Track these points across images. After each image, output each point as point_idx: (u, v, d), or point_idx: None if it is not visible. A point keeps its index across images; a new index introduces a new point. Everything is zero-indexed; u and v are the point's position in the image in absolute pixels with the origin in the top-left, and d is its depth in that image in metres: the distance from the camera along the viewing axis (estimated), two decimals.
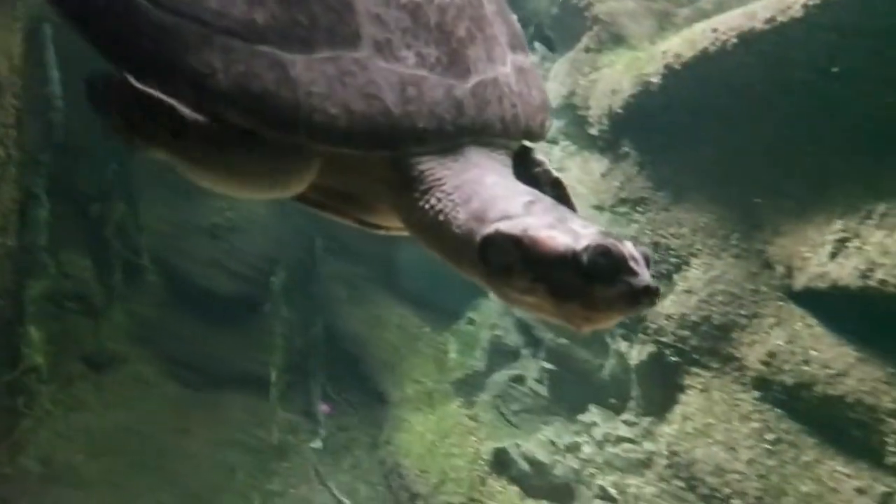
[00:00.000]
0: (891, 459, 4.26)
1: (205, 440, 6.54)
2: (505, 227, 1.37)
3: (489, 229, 1.39)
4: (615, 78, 5.46)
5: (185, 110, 1.35)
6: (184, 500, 6.06)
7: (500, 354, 6.42)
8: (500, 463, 6.02)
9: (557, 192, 1.71)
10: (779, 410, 4.79)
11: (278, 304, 7.06)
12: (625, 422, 5.66)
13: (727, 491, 4.86)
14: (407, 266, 6.95)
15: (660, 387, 5.41)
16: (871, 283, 4.30)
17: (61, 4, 1.42)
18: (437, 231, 1.47)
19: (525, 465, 5.93)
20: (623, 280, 1.29)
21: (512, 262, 1.35)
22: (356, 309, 7.20)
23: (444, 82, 1.47)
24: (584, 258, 1.29)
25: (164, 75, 1.36)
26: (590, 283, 1.29)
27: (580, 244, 1.30)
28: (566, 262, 1.30)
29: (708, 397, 5.10)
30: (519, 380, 6.33)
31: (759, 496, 4.73)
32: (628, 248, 1.31)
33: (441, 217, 1.46)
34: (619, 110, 5.46)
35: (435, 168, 1.48)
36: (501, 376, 6.40)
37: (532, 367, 6.34)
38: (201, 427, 6.62)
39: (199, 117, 1.36)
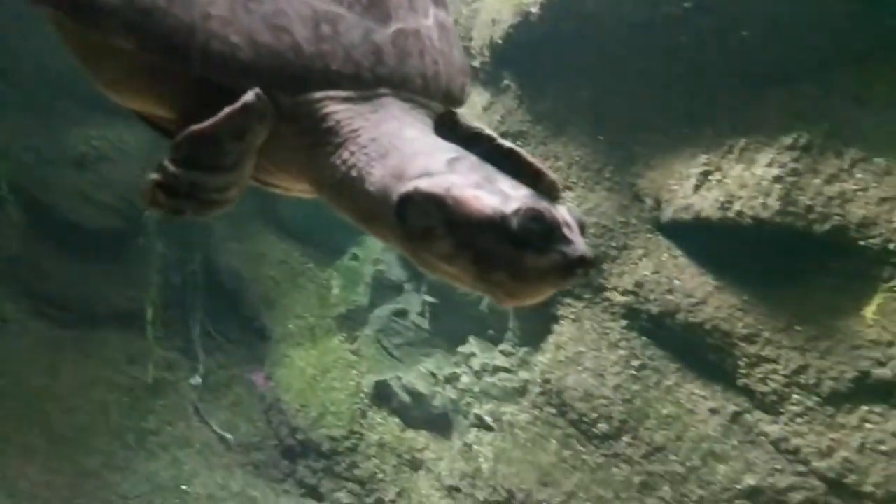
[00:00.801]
0: (741, 381, 4.52)
1: (75, 380, 6.25)
2: (425, 184, 1.22)
3: (407, 187, 1.24)
4: (496, 7, 5.38)
5: None
6: (53, 442, 5.80)
7: (383, 289, 6.40)
8: (381, 395, 6.06)
9: (513, 163, 1.50)
10: (644, 338, 4.99)
11: (153, 239, 6.75)
12: (502, 352, 5.78)
13: (594, 415, 5.05)
14: (290, 201, 6.75)
15: (535, 318, 5.52)
16: (730, 214, 4.48)
17: None
18: (348, 189, 1.31)
19: (405, 397, 5.98)
20: (556, 249, 1.16)
21: (433, 224, 1.21)
22: (237, 244, 6.98)
23: (363, 24, 1.33)
24: (514, 222, 1.16)
25: None
26: (520, 250, 1.16)
27: (510, 207, 1.17)
28: (493, 227, 1.17)
29: (580, 327, 5.25)
30: (401, 314, 6.34)
31: (624, 419, 4.94)
32: (562, 212, 1.20)
33: (354, 173, 1.31)
34: (500, 41, 5.40)
35: (351, 118, 1.33)
36: (384, 311, 6.39)
37: (414, 301, 6.36)
38: (72, 367, 6.33)
39: None
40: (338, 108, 1.32)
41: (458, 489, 5.52)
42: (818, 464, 4.22)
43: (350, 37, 1.31)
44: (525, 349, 5.66)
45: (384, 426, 5.97)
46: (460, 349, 6.03)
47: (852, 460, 4.11)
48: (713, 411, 4.65)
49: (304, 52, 1.27)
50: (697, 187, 4.68)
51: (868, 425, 4.09)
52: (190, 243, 6.89)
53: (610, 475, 4.94)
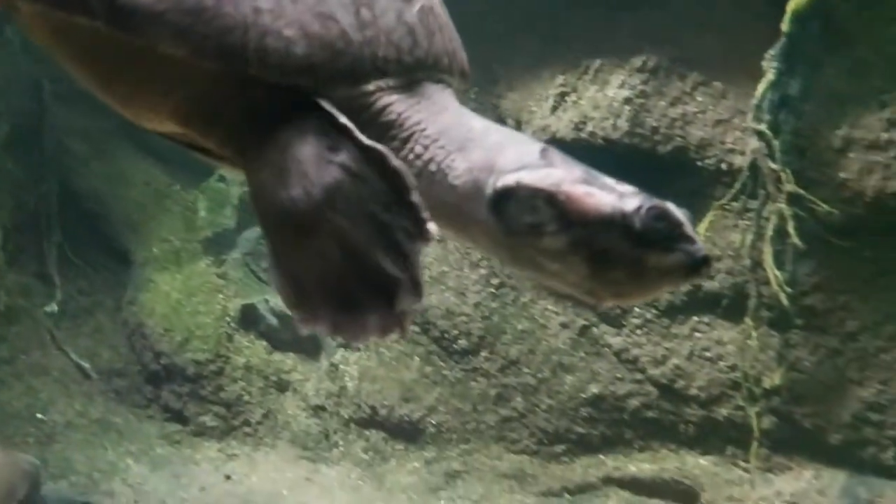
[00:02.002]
0: None
1: None
2: (529, 179, 1.17)
3: (507, 180, 1.18)
4: None
5: None
6: None
7: (252, 211, 6.25)
8: (248, 319, 5.98)
9: None
10: None
11: (2, 159, 6.30)
12: None
13: (455, 332, 5.18)
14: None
15: None
16: (583, 135, 4.61)
17: None
18: (425, 187, 1.21)
19: (273, 320, 5.94)
20: (681, 248, 1.13)
21: (542, 221, 1.16)
22: (96, 165, 6.61)
23: (393, 4, 1.25)
24: (637, 222, 1.13)
25: None
26: (642, 249, 1.13)
27: (629, 205, 1.14)
28: (613, 225, 1.13)
29: (444, 247, 5.32)
30: None
31: (483, 335, 5.10)
32: (680, 211, 1.16)
33: (433, 167, 1.24)
34: None
35: (409, 109, 1.25)
36: (252, 233, 6.25)
37: None
38: None
39: None
40: (392, 99, 1.25)
41: (323, 408, 5.59)
42: (653, 371, 4.51)
43: (387, 20, 1.23)
44: None
45: (251, 349, 5.92)
46: None
47: (682, 367, 4.42)
48: (564, 326, 4.86)
49: (352, 40, 1.19)
50: (554, 108, 4.77)
51: (697, 334, 4.39)
52: (44, 163, 6.49)
53: (468, 389, 5.12)
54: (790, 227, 3.88)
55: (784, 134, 4.00)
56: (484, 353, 5.10)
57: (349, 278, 1.09)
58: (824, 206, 3.82)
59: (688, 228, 1.15)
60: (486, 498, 4.72)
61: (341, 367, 5.63)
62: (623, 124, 4.49)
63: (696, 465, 4.32)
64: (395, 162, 1.11)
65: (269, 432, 5.67)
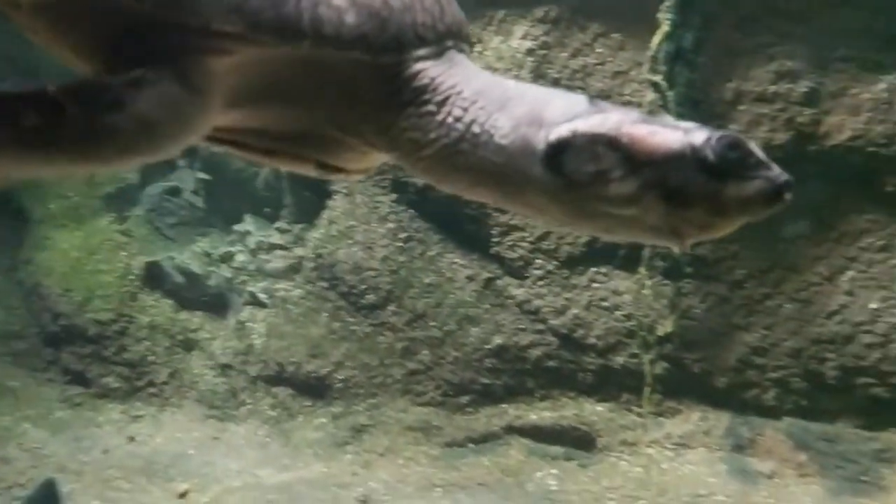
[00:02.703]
0: (495, 249, 4.76)
1: None
2: (586, 126, 1.11)
3: (562, 130, 1.12)
4: None
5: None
6: None
7: (155, 166, 6.03)
8: (153, 277, 5.81)
9: None
10: (412, 211, 5.09)
11: None
12: (278, 229, 5.69)
13: (363, 287, 5.15)
14: (49, 71, 6.11)
15: (310, 193, 5.46)
16: None
17: None
18: (471, 148, 1.17)
19: (179, 278, 5.78)
20: (759, 174, 1.08)
21: (606, 167, 1.10)
22: None
23: None
24: (710, 153, 1.07)
25: None
26: (719, 181, 1.07)
27: (698, 138, 1.08)
28: (685, 160, 1.07)
29: (352, 201, 5.26)
30: (174, 192, 6.03)
31: (390, 289, 5.08)
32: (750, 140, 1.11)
33: (476, 128, 1.18)
34: None
35: (444, 74, 1.20)
36: (156, 188, 6.05)
37: (188, 179, 6.06)
38: None
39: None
40: (428, 65, 1.21)
41: (230, 367, 5.49)
42: (554, 321, 4.58)
43: None
44: (301, 226, 5.61)
45: (156, 308, 5.75)
46: (236, 227, 5.87)
47: (581, 317, 4.50)
48: (469, 278, 4.88)
49: (393, 7, 1.16)
50: None
51: (595, 285, 4.47)
52: None
53: (375, 343, 5.10)
54: None
55: (678, 86, 4.06)
56: (391, 308, 5.09)
57: None
58: None
59: (762, 155, 1.11)
60: (392, 450, 4.74)
61: (248, 324, 5.54)
62: (526, 75, 4.47)
63: (593, 412, 4.44)
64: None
65: (175, 392, 5.55)
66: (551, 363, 4.61)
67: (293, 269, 5.58)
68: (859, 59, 3.73)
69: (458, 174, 1.22)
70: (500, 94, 1.21)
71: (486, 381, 4.77)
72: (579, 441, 4.38)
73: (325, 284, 5.35)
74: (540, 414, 4.57)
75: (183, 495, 4.70)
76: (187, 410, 5.45)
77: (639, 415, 4.29)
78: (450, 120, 1.20)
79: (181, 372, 5.63)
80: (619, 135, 1.10)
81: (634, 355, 4.31)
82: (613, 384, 4.42)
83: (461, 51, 1.29)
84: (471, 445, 4.64)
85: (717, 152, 1.08)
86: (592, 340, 4.44)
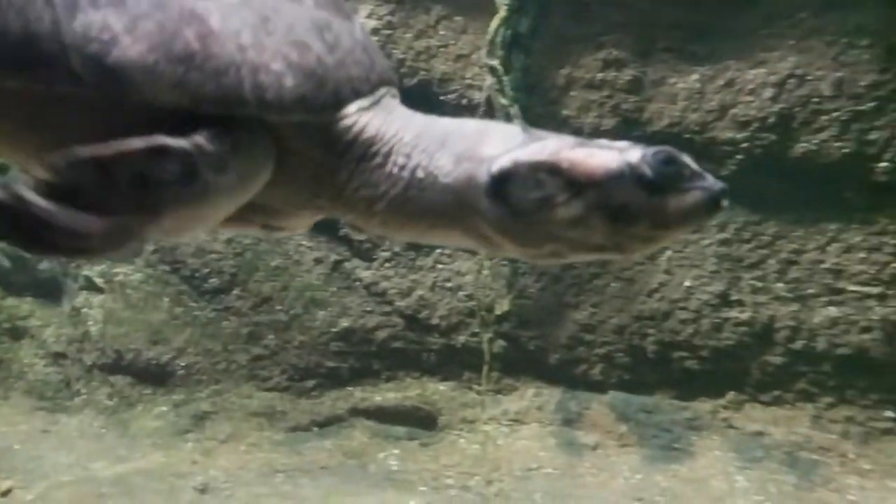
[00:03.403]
0: (343, 231, 4.71)
1: None
2: (525, 155, 1.13)
3: (503, 162, 1.13)
4: None
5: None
6: None
7: None
8: None
9: None
10: None
11: None
12: None
13: (206, 271, 4.97)
14: None
15: None
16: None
17: None
18: (417, 193, 1.18)
19: (5, 262, 5.37)
20: (697, 185, 1.11)
21: (551, 193, 1.12)
22: None
23: (343, 25, 1.22)
24: (648, 169, 1.10)
25: (30, 58, 0.93)
26: (661, 196, 1.10)
27: (633, 156, 1.11)
28: (624, 179, 1.10)
29: None
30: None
31: (235, 273, 4.93)
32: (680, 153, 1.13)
33: (420, 173, 1.19)
34: None
35: (385, 124, 1.22)
36: None
37: None
38: None
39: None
40: (369, 117, 1.22)
41: (63, 355, 5.18)
42: (400, 303, 4.59)
43: (345, 40, 1.21)
44: None
45: None
46: None
47: (426, 298, 4.54)
48: (317, 261, 4.81)
49: (328, 65, 1.16)
50: None
51: (439, 266, 4.51)
52: None
53: (219, 328, 4.95)
54: None
55: (515, 71, 4.14)
56: (236, 292, 4.95)
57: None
58: None
59: (695, 166, 1.14)
60: (235, 437, 4.62)
61: (84, 310, 5.23)
62: None
63: (435, 391, 4.50)
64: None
65: (0, 384, 5.18)
66: (397, 344, 4.62)
67: (133, 254, 5.31)
68: (676, 50, 3.94)
69: (412, 221, 1.23)
70: (439, 133, 1.22)
71: (332, 364, 4.73)
72: (422, 421, 4.43)
73: (166, 268, 5.13)
74: (385, 395, 4.58)
75: (5, 493, 4.39)
76: (14, 403, 5.10)
77: (478, 393, 4.38)
78: (395, 170, 1.21)
79: (9, 362, 5.26)
80: (558, 160, 1.13)
81: (475, 335, 4.39)
82: (456, 363, 4.49)
83: (394, 96, 1.30)
84: (315, 429, 4.59)
85: (654, 168, 1.11)
86: (436, 321, 4.48)
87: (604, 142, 1.19)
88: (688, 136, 3.90)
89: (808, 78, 3.68)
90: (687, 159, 1.15)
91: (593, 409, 4.09)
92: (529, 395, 4.29)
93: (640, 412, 3.98)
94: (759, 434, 3.81)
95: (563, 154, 1.14)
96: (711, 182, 1.14)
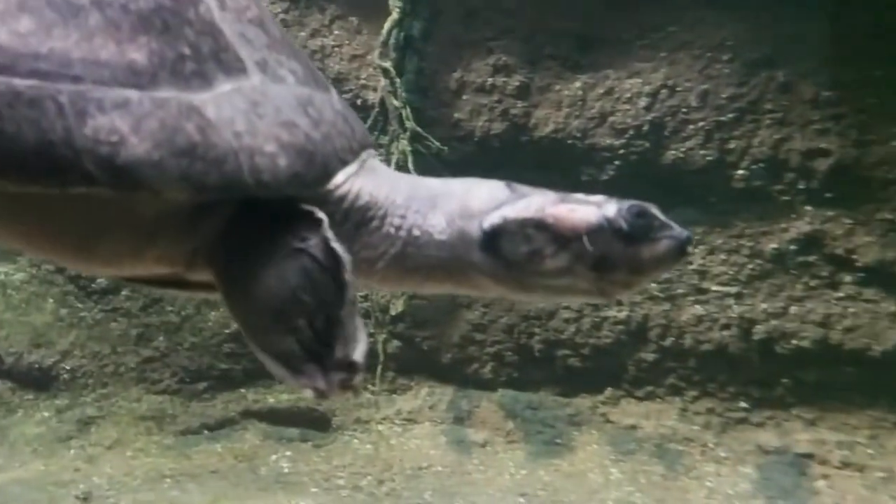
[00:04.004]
0: None
1: None
2: (514, 212, 1.24)
3: (493, 219, 1.24)
4: None
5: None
6: None
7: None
8: None
9: None
10: None
11: None
12: None
13: None
14: None
15: None
16: None
17: None
18: (415, 252, 1.28)
19: None
20: (665, 235, 1.24)
21: (538, 246, 1.24)
22: None
23: (324, 98, 1.30)
24: (623, 223, 1.22)
25: (47, 166, 0.99)
26: (634, 246, 1.23)
27: (610, 210, 1.23)
28: (603, 231, 1.22)
29: None
30: None
31: None
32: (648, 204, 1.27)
33: (416, 232, 1.29)
34: None
35: (375, 187, 1.30)
36: None
37: None
38: None
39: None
40: (360, 183, 1.29)
41: None
42: None
43: (327, 113, 1.27)
44: None
45: None
46: None
47: None
48: None
49: (315, 140, 1.21)
50: None
51: None
52: None
53: (108, 330, 4.79)
54: (410, 164, 4.09)
55: (408, 73, 4.17)
56: (125, 292, 4.80)
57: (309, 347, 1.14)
58: (437, 143, 4.06)
59: (663, 217, 1.26)
60: (121, 442, 4.49)
61: None
62: None
63: None
64: (347, 275, 1.14)
65: None
66: None
67: (15, 251, 5.07)
68: (561, 58, 4.06)
69: (410, 275, 1.32)
70: (427, 194, 1.32)
71: (224, 366, 4.65)
72: (315, 422, 4.41)
73: (50, 268, 4.93)
74: (278, 397, 4.54)
75: None
76: None
77: (372, 393, 4.40)
78: (392, 231, 1.30)
79: None
80: (544, 216, 1.24)
81: (370, 335, 4.40)
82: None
83: (373, 157, 1.38)
84: (206, 432, 4.51)
85: (628, 221, 1.23)
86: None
87: (580, 196, 1.30)
88: (570, 141, 4.03)
89: (678, 89, 3.87)
90: (656, 211, 1.27)
91: (483, 406, 4.17)
92: (423, 395, 4.33)
93: (527, 409, 4.09)
94: (633, 427, 3.98)
95: (548, 210, 1.26)
96: (679, 231, 1.27)
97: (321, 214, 1.19)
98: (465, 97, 4.16)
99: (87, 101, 1.05)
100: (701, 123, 3.85)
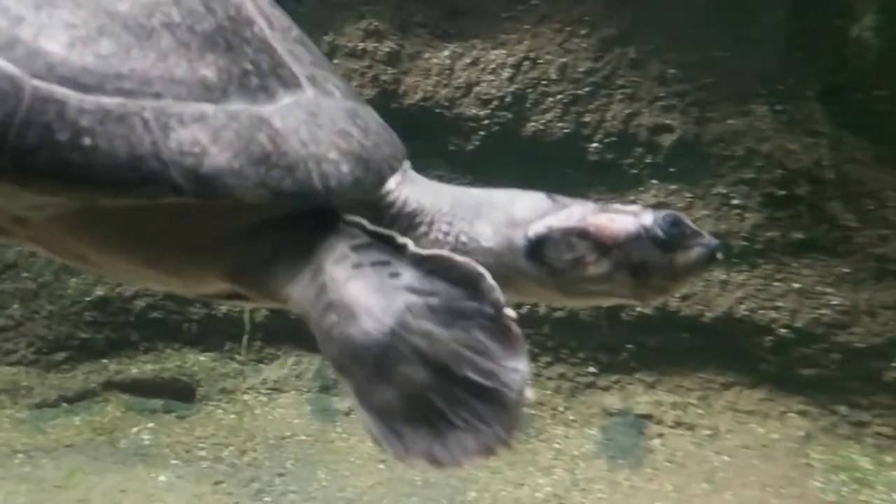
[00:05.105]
0: None
1: None
2: (557, 221, 1.33)
3: (538, 228, 1.33)
4: None
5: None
6: None
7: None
8: None
9: None
10: None
11: None
12: None
13: None
14: None
15: None
16: None
17: None
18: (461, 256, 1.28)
19: None
20: (698, 243, 1.32)
21: (582, 254, 1.31)
22: None
23: (366, 110, 1.37)
24: (660, 232, 1.31)
25: (138, 177, 1.04)
26: (669, 253, 1.31)
27: (647, 220, 1.31)
28: (641, 240, 1.31)
29: None
30: None
31: None
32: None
33: (464, 237, 1.36)
34: None
35: (420, 196, 1.37)
36: None
37: None
38: None
39: None
40: (406, 190, 1.36)
41: None
42: None
43: (372, 124, 1.34)
44: None
45: None
46: None
47: None
48: None
49: (367, 147, 1.28)
50: None
51: None
52: None
53: None
54: None
55: None
56: None
57: (438, 398, 1.06)
58: None
59: (694, 225, 1.35)
60: None
61: None
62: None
63: (195, 362, 4.37)
64: (459, 259, 1.14)
65: None
66: (156, 314, 4.43)
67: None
68: (431, 25, 4.02)
69: None
70: (472, 203, 1.38)
71: (85, 335, 4.45)
72: (179, 392, 4.30)
73: None
74: (142, 367, 4.39)
75: None
76: None
77: (239, 363, 4.31)
78: (441, 236, 1.37)
79: None
80: (586, 225, 1.32)
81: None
82: (217, 333, 4.38)
83: (409, 168, 1.45)
84: (64, 405, 4.32)
85: (664, 230, 1.32)
86: None
87: (618, 206, 1.39)
88: (438, 110, 4.01)
89: (539, 61, 3.91)
90: (688, 221, 1.37)
91: None
92: (290, 364, 4.28)
93: None
94: None
95: (589, 220, 1.34)
96: (709, 239, 1.36)
97: (403, 240, 1.20)
98: (336, 61, 4.07)
99: (169, 115, 1.10)
100: (559, 96, 3.90)
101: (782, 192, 3.82)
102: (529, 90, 3.91)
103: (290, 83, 1.25)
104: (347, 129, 1.28)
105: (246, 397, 4.23)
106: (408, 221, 1.37)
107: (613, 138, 3.91)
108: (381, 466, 3.78)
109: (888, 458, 3.68)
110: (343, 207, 1.26)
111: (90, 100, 1.06)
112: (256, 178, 1.14)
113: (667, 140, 3.88)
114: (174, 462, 3.93)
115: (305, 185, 1.18)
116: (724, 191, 3.82)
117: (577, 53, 3.85)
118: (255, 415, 4.15)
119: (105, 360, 4.44)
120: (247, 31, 1.24)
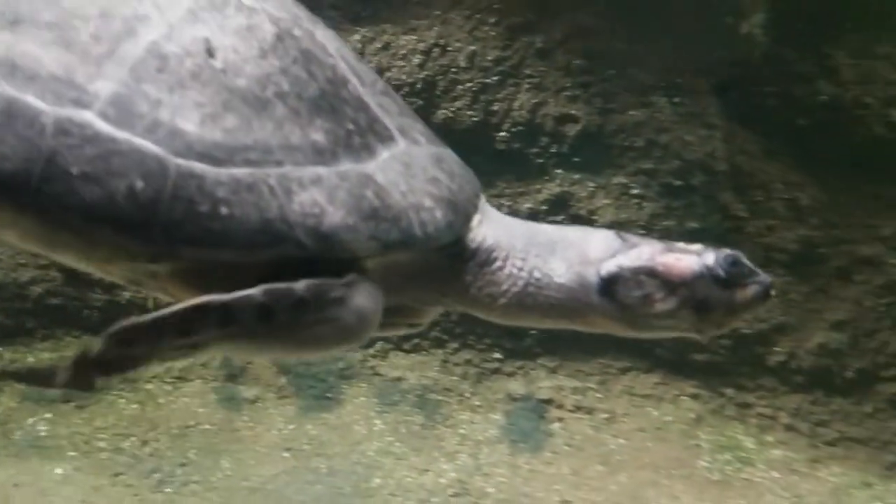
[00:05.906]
0: None
1: None
2: (628, 261, 1.41)
3: (609, 267, 1.42)
4: None
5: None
6: None
7: None
8: None
9: None
10: None
11: None
12: None
13: None
14: None
15: None
16: None
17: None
18: (536, 292, 1.45)
19: None
20: (754, 281, 1.41)
21: (651, 291, 1.40)
22: None
23: (447, 153, 1.46)
24: (722, 271, 1.39)
25: (269, 239, 1.18)
26: (729, 290, 1.40)
27: (709, 259, 1.40)
28: (704, 278, 1.40)
29: None
30: None
31: None
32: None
33: (537, 273, 1.45)
34: None
35: (496, 232, 1.47)
36: None
37: None
38: None
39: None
40: (486, 226, 1.46)
41: None
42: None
43: (454, 167, 1.43)
44: None
45: None
46: None
47: None
48: None
49: (454, 190, 1.38)
50: None
51: None
52: None
53: None
54: None
55: None
56: None
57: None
58: None
59: (751, 264, 1.43)
60: None
61: None
62: None
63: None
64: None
65: None
66: (55, 301, 4.28)
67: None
68: (343, 8, 3.98)
69: (528, 312, 1.48)
70: (545, 240, 1.47)
71: None
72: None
73: None
74: (39, 356, 4.23)
75: None
76: None
77: None
78: (515, 271, 1.45)
79: None
80: (654, 265, 1.41)
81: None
82: (119, 320, 4.25)
83: (485, 202, 1.52)
84: None
85: (725, 269, 1.40)
86: (98, 277, 4.20)
87: (682, 245, 1.48)
88: None
89: (449, 49, 3.92)
90: (745, 259, 1.45)
91: (256, 363, 4.11)
92: None
93: (300, 364, 4.08)
94: (399, 379, 4.10)
95: (657, 259, 1.43)
96: (764, 277, 1.45)
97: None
98: None
99: (290, 180, 1.22)
100: (469, 84, 3.93)
101: (679, 183, 3.95)
102: (439, 77, 3.91)
103: (385, 137, 1.36)
104: (437, 176, 1.38)
105: (149, 386, 4.14)
106: (485, 256, 1.47)
107: (520, 127, 3.96)
108: (286, 455, 3.78)
109: (769, 438, 3.90)
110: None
111: (224, 172, 1.18)
112: (367, 232, 1.25)
113: (571, 130, 3.96)
114: (72, 454, 3.82)
115: (408, 234, 1.29)
116: (625, 181, 3.93)
117: (486, 42, 3.88)
118: (158, 404, 4.07)
119: (0, 349, 4.28)
120: (343, 91, 1.34)
